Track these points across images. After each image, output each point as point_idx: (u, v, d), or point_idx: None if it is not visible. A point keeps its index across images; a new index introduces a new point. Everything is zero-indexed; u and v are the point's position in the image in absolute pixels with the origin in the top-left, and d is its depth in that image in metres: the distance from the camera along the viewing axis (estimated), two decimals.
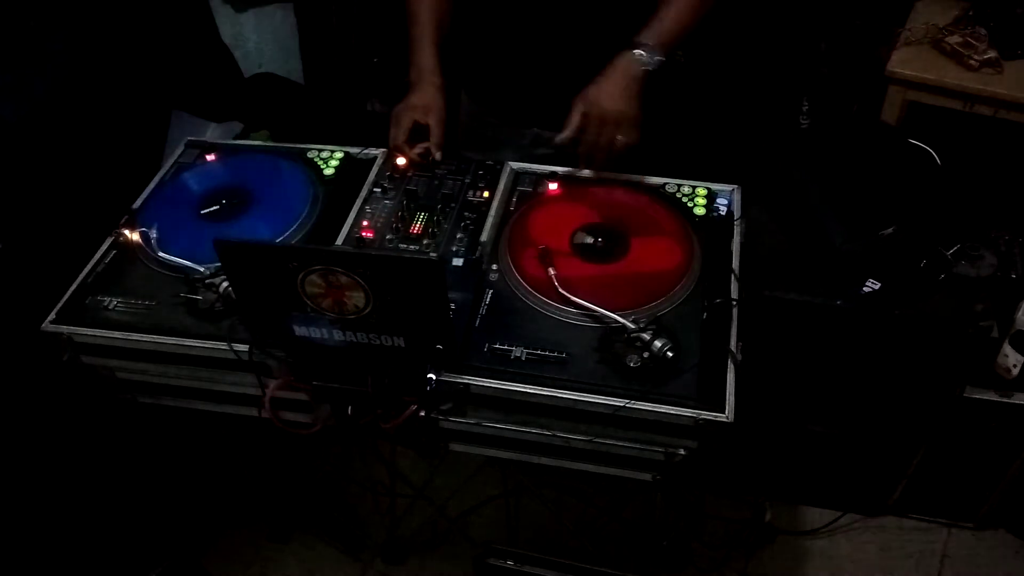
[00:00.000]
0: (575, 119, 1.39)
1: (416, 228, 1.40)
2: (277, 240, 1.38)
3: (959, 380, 1.61)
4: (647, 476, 1.27)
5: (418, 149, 1.49)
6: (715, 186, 1.46)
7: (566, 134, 1.40)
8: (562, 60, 1.48)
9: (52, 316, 1.31)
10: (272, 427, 1.30)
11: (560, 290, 1.25)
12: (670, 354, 1.17)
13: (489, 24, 1.53)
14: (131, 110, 2.04)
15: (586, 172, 1.46)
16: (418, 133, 1.49)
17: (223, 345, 1.24)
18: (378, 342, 1.16)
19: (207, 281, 1.28)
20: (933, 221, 1.50)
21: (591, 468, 1.29)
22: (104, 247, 1.41)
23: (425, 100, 1.47)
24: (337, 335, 1.17)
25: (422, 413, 1.21)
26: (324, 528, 2.00)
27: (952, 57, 1.99)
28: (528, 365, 1.20)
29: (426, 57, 1.49)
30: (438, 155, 1.49)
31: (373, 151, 1.55)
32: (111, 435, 1.68)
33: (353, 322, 1.14)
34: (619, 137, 1.37)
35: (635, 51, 1.36)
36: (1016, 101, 1.92)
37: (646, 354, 1.18)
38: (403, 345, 1.16)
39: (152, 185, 1.54)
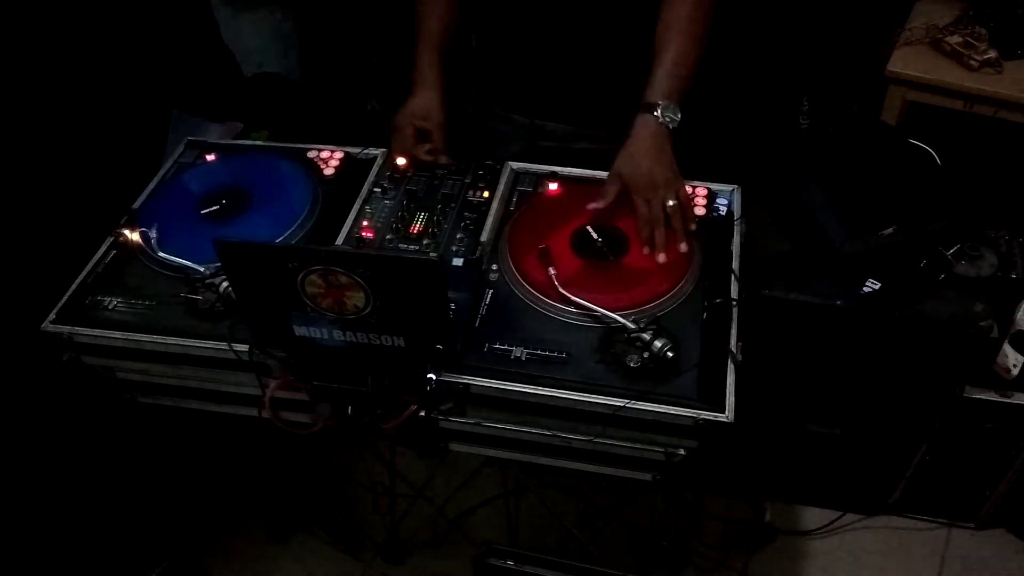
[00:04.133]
0: (611, 190, 1.36)
1: (416, 228, 1.40)
2: (277, 240, 1.38)
3: (959, 380, 1.61)
4: (647, 476, 1.27)
5: (425, 147, 1.49)
6: (715, 186, 1.46)
7: (599, 204, 1.37)
8: (568, 51, 1.48)
9: (52, 316, 1.31)
10: (272, 427, 1.30)
11: (560, 290, 1.25)
12: (670, 354, 1.17)
13: (498, 12, 1.53)
14: (131, 110, 2.04)
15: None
16: (421, 137, 1.49)
17: (223, 345, 1.24)
18: (378, 342, 1.16)
19: (207, 281, 1.28)
20: (933, 221, 1.50)
21: (591, 468, 1.29)
22: (104, 247, 1.41)
23: (424, 106, 1.47)
24: (337, 335, 1.17)
25: (422, 413, 1.21)
26: (324, 528, 2.00)
27: (952, 57, 1.99)
28: (528, 365, 1.20)
29: (428, 62, 1.49)
30: (442, 159, 1.49)
31: (373, 151, 1.55)
32: (111, 435, 1.68)
33: (353, 322, 1.14)
34: (670, 202, 1.32)
35: (652, 112, 1.32)
36: (1016, 101, 1.92)
37: (646, 354, 1.18)
38: (403, 345, 1.16)
39: (152, 185, 1.54)
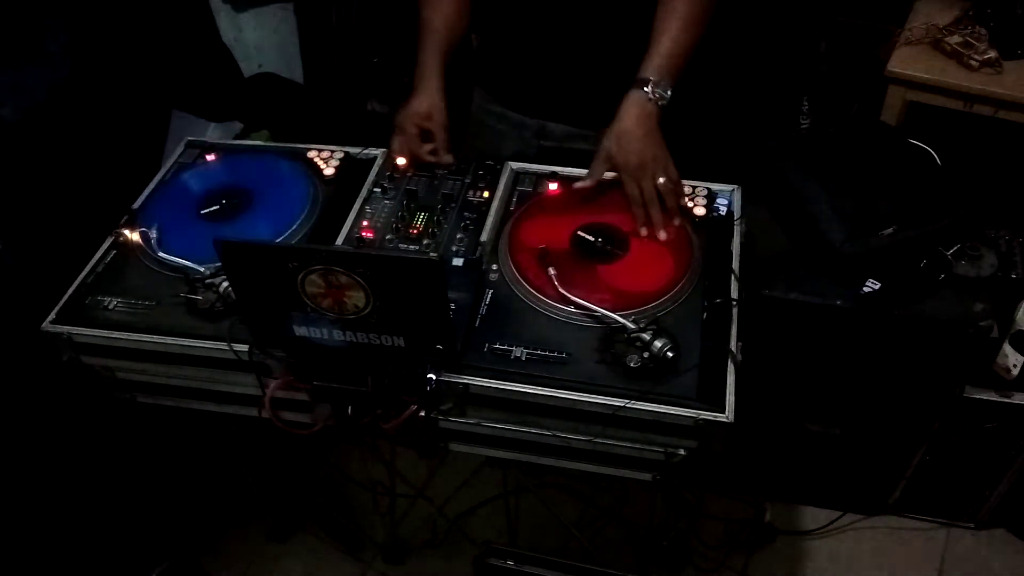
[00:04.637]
0: (598, 170, 1.37)
1: (416, 228, 1.40)
2: (277, 240, 1.38)
3: (959, 380, 1.61)
4: (647, 476, 1.27)
5: (428, 147, 1.49)
6: (715, 186, 1.46)
7: (587, 183, 1.39)
8: (569, 50, 1.48)
9: (52, 316, 1.30)
10: (272, 427, 1.30)
11: (560, 290, 1.25)
12: (670, 354, 1.17)
13: (500, 11, 1.53)
14: (131, 110, 2.04)
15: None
16: (424, 137, 1.49)
17: (223, 345, 1.24)
18: (378, 342, 1.16)
19: (207, 281, 1.28)
20: (933, 221, 1.50)
21: (591, 468, 1.29)
22: (104, 247, 1.41)
23: (427, 105, 1.48)
24: (337, 335, 1.17)
25: (422, 413, 1.21)
26: (324, 528, 2.00)
27: (952, 57, 1.99)
28: (528, 365, 1.20)
29: (430, 62, 1.49)
30: (446, 159, 1.49)
31: (373, 151, 1.55)
32: (111, 435, 1.68)
33: (353, 322, 1.14)
34: (660, 180, 1.34)
35: (643, 89, 1.33)
36: (1016, 101, 1.91)
37: (646, 354, 1.18)
38: (403, 345, 1.16)
39: (152, 185, 1.54)
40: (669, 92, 1.34)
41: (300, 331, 1.17)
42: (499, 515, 1.91)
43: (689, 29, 1.36)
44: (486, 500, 1.99)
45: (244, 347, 1.23)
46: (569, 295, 1.25)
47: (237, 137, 2.31)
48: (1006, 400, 1.63)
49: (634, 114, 1.33)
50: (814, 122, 2.30)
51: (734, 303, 1.27)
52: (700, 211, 1.41)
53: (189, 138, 1.65)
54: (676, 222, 1.36)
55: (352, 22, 2.63)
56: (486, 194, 1.45)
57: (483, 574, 1.38)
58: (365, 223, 1.41)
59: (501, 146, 1.61)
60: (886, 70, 2.02)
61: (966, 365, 1.58)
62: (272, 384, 1.26)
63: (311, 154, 1.56)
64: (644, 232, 1.35)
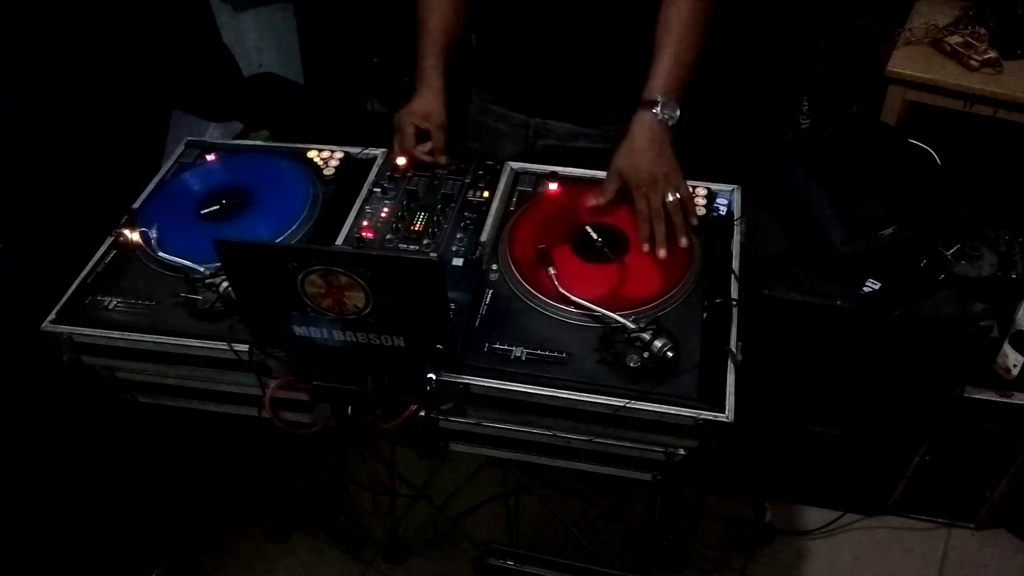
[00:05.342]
0: (611, 187, 1.38)
1: (416, 228, 1.40)
2: (277, 240, 1.38)
3: (959, 380, 1.61)
4: (647, 476, 1.27)
5: (425, 147, 1.49)
6: (715, 186, 1.46)
7: (600, 200, 1.39)
8: (568, 49, 1.49)
9: (52, 316, 1.30)
10: (272, 427, 1.30)
11: (560, 290, 1.25)
12: (670, 354, 1.17)
13: (499, 11, 1.53)
14: (131, 110, 2.04)
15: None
16: (421, 137, 1.49)
17: (223, 345, 1.24)
18: (378, 342, 1.16)
19: (207, 281, 1.28)
20: (933, 221, 1.50)
21: (591, 468, 1.29)
22: (104, 247, 1.41)
23: (425, 106, 1.48)
24: (337, 335, 1.17)
25: (422, 413, 1.21)
26: (324, 528, 2.00)
27: (952, 57, 1.99)
28: (528, 365, 1.20)
29: (429, 63, 1.49)
30: (441, 159, 1.50)
31: (373, 151, 1.55)
32: (111, 435, 1.68)
33: (353, 322, 1.14)
34: (670, 196, 1.33)
35: (652, 111, 1.33)
36: (1016, 101, 1.92)
37: (646, 354, 1.18)
38: (403, 345, 1.16)
39: (152, 185, 1.54)
40: (678, 111, 1.34)
41: (300, 331, 1.17)
42: (499, 515, 1.91)
43: (690, 42, 1.36)
44: (486, 500, 1.99)
45: (244, 347, 1.23)
46: (569, 295, 1.25)
47: (237, 137, 2.31)
48: (1006, 400, 1.63)
49: (644, 133, 1.34)
50: (814, 122, 2.30)
51: (734, 303, 1.27)
52: (700, 211, 1.41)
53: (189, 138, 1.65)
54: (683, 242, 1.34)
55: (352, 22, 2.63)
56: (486, 194, 1.45)
57: (483, 574, 1.38)
58: (365, 223, 1.41)
59: (501, 146, 1.61)
60: (886, 70, 2.02)
61: (966, 365, 1.58)
62: (272, 384, 1.26)
63: (311, 154, 1.56)
64: (646, 248, 1.34)
